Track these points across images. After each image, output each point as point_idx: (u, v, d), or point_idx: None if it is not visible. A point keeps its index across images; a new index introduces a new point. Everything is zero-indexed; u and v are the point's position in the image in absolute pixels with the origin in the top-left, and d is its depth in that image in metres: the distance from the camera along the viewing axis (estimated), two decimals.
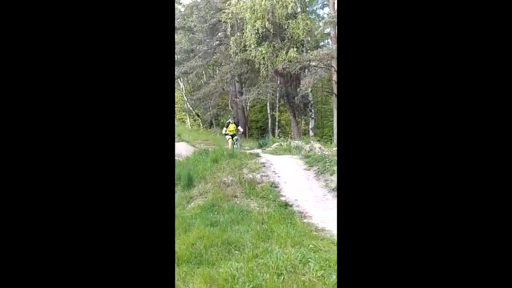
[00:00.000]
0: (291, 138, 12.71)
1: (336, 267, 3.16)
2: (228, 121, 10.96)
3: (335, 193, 5.65)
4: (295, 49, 13.35)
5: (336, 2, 14.72)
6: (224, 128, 10.87)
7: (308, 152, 7.60)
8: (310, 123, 15.93)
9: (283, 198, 5.56)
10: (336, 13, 14.07)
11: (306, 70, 14.37)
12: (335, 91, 14.18)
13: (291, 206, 5.32)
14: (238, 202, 5.48)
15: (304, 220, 4.83)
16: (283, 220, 4.60)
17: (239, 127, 11.30)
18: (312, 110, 15.99)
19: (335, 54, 14.09)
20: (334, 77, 14.09)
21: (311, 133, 15.40)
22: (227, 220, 4.65)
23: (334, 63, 13.99)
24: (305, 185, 6.05)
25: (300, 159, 7.17)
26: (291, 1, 13.16)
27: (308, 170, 6.57)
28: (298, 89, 13.89)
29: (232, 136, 10.59)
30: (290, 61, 13.16)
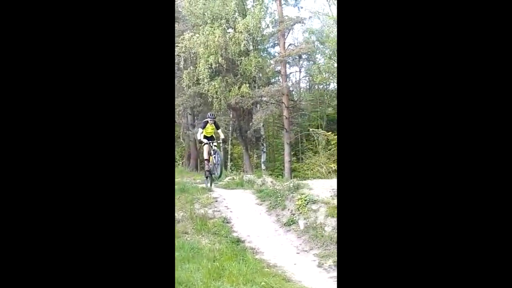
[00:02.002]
0: (243, 171, 12.76)
1: None
2: (205, 119, 7.67)
3: (287, 228, 5.72)
4: (247, 84, 13.73)
5: (285, 42, 15.53)
6: (200, 129, 7.52)
7: (260, 186, 7.68)
8: (262, 156, 16.18)
9: (235, 234, 5.52)
10: (286, 52, 14.80)
11: (258, 106, 14.76)
12: (286, 126, 14.65)
13: (243, 242, 5.28)
14: (189, 238, 5.34)
15: (256, 256, 4.81)
16: (235, 257, 4.54)
17: (220, 131, 7.80)
18: (264, 144, 16.30)
19: (285, 91, 14.69)
20: (285, 112, 14.59)
21: (263, 166, 15.61)
22: (177, 258, 4.49)
23: (284, 100, 14.53)
24: (257, 220, 6.06)
25: (253, 193, 7.21)
26: (244, 39, 13.66)
27: (260, 204, 6.61)
28: (251, 123, 14.18)
29: (210, 140, 7.50)
30: (243, 96, 13.49)
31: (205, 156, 7.66)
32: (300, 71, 18.43)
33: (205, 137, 7.51)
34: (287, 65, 15.96)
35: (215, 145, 7.56)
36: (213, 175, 7.59)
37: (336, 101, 17.97)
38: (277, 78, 16.53)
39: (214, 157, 7.46)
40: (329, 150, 13.52)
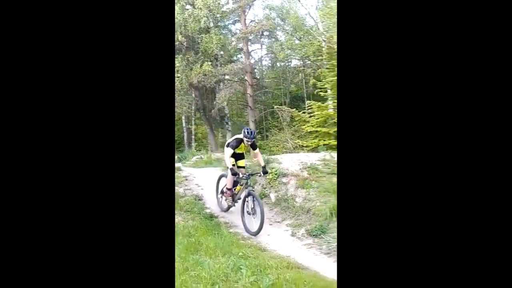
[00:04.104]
0: (210, 150, 12.71)
1: (266, 272, 3.28)
2: (238, 137, 5.08)
3: None
4: (209, 62, 13.50)
5: (246, 19, 15.33)
6: (229, 150, 4.96)
7: None
8: (227, 135, 16.13)
9: (208, 210, 5.55)
10: (247, 29, 14.63)
11: (221, 84, 14.60)
12: (250, 104, 14.65)
13: (216, 217, 5.33)
14: None
15: (231, 230, 4.89)
16: (210, 232, 4.59)
17: (258, 152, 5.23)
18: (229, 123, 16.24)
19: (248, 68, 14.60)
20: (249, 90, 14.56)
21: None
22: None
23: (248, 77, 14.47)
24: None
25: (222, 171, 7.21)
26: (203, 16, 13.34)
27: None
28: (214, 102, 14.04)
29: (239, 158, 5.26)
30: (205, 74, 13.27)
31: (228, 185, 5.23)
32: (261, 48, 18.35)
33: (234, 154, 5.09)
34: (249, 42, 15.81)
35: (249, 188, 4.88)
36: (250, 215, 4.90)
37: (298, 77, 18.11)
38: (239, 55, 16.37)
39: (247, 201, 4.88)
40: (294, 126, 13.73)
